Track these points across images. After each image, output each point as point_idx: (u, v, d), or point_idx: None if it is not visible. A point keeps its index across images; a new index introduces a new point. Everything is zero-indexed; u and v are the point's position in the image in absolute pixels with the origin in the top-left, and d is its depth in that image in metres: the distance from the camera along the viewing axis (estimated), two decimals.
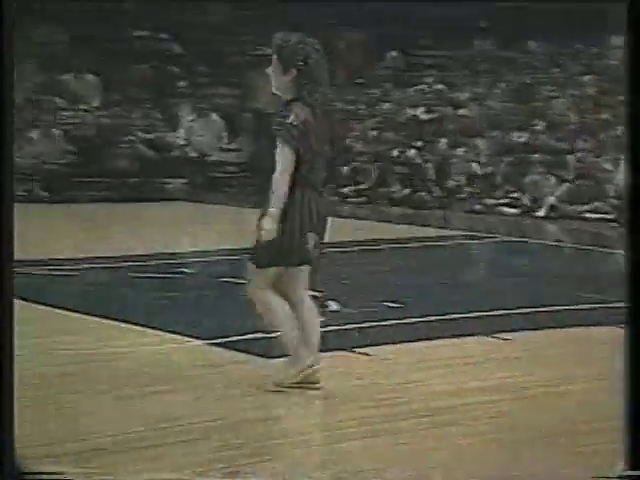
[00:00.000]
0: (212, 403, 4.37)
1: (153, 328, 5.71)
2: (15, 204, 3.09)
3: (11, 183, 2.82)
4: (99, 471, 3.50)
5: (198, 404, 4.36)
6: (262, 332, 5.56)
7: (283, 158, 4.25)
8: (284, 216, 4.26)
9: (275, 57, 4.33)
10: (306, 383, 4.41)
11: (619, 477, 3.03)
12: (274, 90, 4.40)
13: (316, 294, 6.74)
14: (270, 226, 4.24)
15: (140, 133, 14.06)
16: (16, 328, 5.88)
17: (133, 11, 15.42)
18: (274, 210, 4.23)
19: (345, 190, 12.64)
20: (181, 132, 14.35)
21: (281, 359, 4.62)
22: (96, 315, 6.05)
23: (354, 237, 9.87)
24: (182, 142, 14.25)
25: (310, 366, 4.42)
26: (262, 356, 5.09)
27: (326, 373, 4.65)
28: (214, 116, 14.39)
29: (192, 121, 14.38)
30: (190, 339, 5.51)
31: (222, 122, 14.39)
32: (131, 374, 4.76)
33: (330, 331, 5.69)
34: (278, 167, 4.27)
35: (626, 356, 2.90)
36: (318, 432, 4.09)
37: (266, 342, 5.31)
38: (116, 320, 5.93)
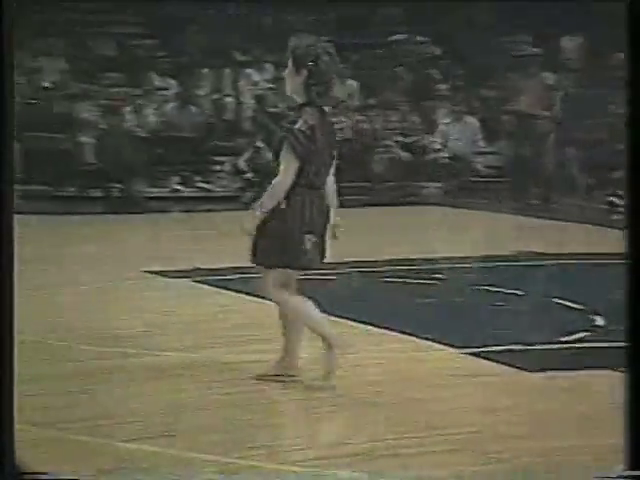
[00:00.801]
0: (470, 414, 4.28)
1: (407, 334, 5.68)
2: None
3: (11, 185, 2.79)
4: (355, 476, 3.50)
5: (456, 414, 4.28)
6: (520, 344, 5.38)
7: (286, 165, 4.37)
8: (283, 217, 4.37)
9: (290, 59, 4.47)
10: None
11: (619, 477, 3.01)
12: (288, 92, 4.54)
13: (579, 306, 6.40)
14: (250, 225, 4.39)
15: (397, 137, 14.16)
16: (265, 331, 6.00)
17: (392, 16, 15.55)
18: (259, 214, 4.38)
19: (614, 199, 11.99)
20: (437, 135, 14.31)
21: None
22: (350, 319, 6.09)
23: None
24: (438, 146, 14.21)
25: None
26: (519, 368, 4.92)
27: (586, 392, 4.41)
28: (470, 119, 14.22)
29: (448, 124, 14.29)
30: (444, 347, 5.42)
31: (478, 125, 14.19)
32: (386, 381, 4.75)
33: (594, 347, 5.41)
34: (280, 174, 4.38)
35: (627, 347, 2.89)
36: (579, 454, 3.86)
37: (523, 354, 5.13)
38: (370, 325, 5.94)
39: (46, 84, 13.98)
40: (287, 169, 4.36)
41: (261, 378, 4.60)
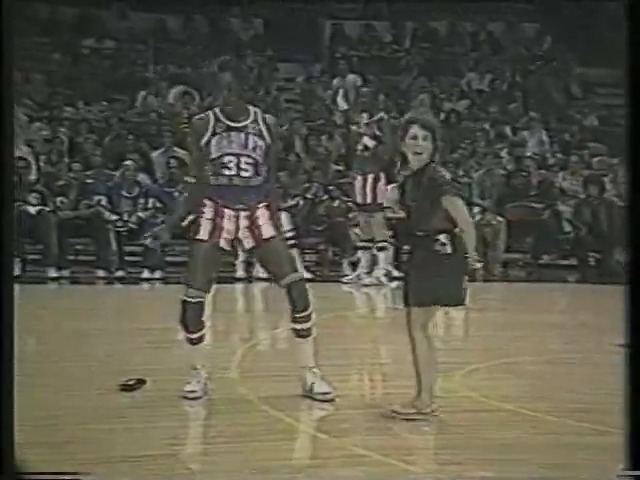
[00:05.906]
0: None
1: None
2: None
3: (12, 186, 2.91)
4: None
5: None
6: None
7: (463, 208, 4.77)
8: (451, 259, 4.73)
9: (422, 130, 4.84)
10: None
11: (619, 477, 3.09)
12: (425, 157, 4.86)
13: None
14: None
15: None
16: None
17: None
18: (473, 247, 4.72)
19: None
20: None
21: None
22: None
23: None
24: None
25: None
26: None
27: None
28: None
29: None
30: None
31: None
32: None
33: None
34: (464, 217, 4.76)
35: (626, 351, 3.01)
36: None
37: None
38: None
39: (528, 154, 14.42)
40: (465, 211, 4.81)
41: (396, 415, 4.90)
